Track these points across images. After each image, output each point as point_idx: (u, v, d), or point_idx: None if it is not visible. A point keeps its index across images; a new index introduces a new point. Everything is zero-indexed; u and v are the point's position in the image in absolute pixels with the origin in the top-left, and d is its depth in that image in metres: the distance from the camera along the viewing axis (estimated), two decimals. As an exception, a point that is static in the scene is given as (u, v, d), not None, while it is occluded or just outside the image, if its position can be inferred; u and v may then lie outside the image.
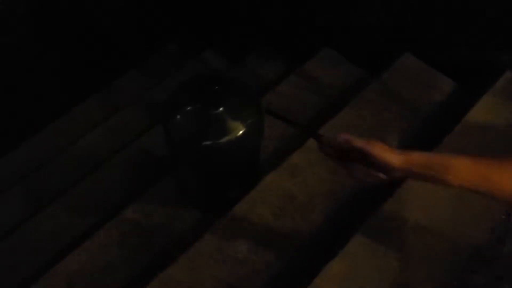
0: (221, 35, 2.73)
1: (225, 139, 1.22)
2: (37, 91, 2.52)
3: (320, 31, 2.22)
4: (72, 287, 1.48)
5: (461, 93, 1.83)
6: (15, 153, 2.35)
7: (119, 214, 1.62)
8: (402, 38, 1.93)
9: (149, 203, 1.65)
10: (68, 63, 2.59)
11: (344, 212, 1.51)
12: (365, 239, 1.35)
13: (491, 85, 1.70)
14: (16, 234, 1.78)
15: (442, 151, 1.43)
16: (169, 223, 1.61)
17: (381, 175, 0.92)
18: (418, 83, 1.85)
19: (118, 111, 2.34)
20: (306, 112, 1.91)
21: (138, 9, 2.76)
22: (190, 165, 1.43)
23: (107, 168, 1.92)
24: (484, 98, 1.66)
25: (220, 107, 1.21)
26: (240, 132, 1.23)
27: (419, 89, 1.83)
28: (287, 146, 1.74)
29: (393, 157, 0.88)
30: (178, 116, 1.26)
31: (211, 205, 1.68)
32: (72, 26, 2.50)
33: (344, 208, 1.52)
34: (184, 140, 1.28)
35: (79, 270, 1.51)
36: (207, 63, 2.62)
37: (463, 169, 0.83)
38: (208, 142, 1.23)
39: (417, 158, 0.88)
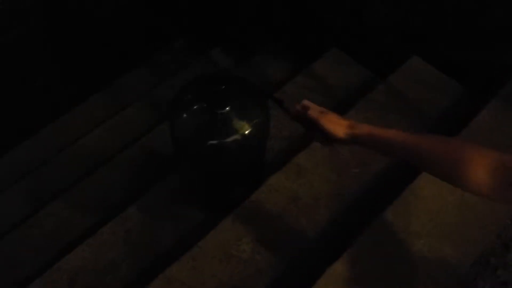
0: (229, 34, 2.73)
1: (231, 139, 1.22)
2: (39, 89, 2.52)
3: (328, 32, 2.21)
4: (74, 284, 1.49)
5: (468, 96, 1.82)
6: (17, 152, 2.37)
7: (123, 212, 1.62)
8: (411, 40, 1.92)
9: (153, 201, 1.66)
10: (71, 61, 2.59)
11: (349, 214, 1.51)
12: (370, 241, 1.35)
13: (499, 89, 1.69)
14: (18, 232, 1.79)
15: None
16: (172, 222, 1.62)
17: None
18: (425, 86, 1.83)
19: (122, 110, 2.34)
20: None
21: (144, 6, 2.76)
22: (195, 164, 1.43)
23: (109, 167, 1.92)
24: (492, 102, 1.65)
25: (226, 107, 1.21)
26: (246, 132, 1.23)
27: (426, 92, 1.82)
28: (293, 147, 1.74)
29: (338, 129, 0.97)
30: (184, 115, 1.26)
31: (215, 204, 1.68)
32: (76, 25, 2.50)
33: (349, 210, 1.52)
34: (189, 139, 1.27)
35: (82, 266, 1.51)
36: (214, 62, 2.62)
37: (399, 142, 0.88)
38: (213, 142, 1.23)
39: (360, 131, 0.95)
